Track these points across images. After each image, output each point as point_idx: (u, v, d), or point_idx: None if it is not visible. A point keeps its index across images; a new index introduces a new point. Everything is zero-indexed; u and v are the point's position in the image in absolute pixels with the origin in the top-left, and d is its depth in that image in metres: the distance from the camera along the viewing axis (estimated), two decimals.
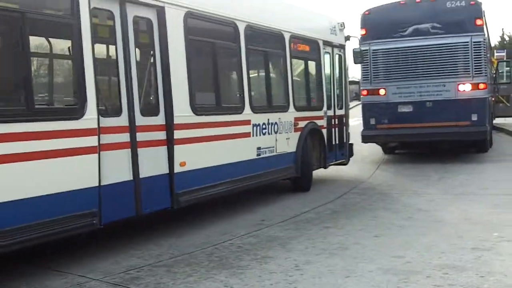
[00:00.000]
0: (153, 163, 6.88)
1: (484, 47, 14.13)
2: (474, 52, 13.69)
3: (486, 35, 14.85)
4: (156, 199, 6.98)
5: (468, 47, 13.72)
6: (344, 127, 12.52)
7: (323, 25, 11.95)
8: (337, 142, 12.09)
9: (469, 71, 13.72)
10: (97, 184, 6.05)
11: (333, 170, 12.71)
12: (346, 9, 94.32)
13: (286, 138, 10.08)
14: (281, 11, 10.54)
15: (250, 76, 9.17)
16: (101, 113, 6.18)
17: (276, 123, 9.75)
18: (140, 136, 6.65)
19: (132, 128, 6.54)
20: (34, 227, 5.42)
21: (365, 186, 11.48)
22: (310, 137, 10.89)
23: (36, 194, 5.43)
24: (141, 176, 6.62)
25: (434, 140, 14.42)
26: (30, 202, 5.38)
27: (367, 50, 14.10)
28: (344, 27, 12.60)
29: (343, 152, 12.40)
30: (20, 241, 5.32)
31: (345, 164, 12.60)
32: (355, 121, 26.67)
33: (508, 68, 23.18)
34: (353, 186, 11.37)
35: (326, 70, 11.91)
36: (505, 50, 33.86)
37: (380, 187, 11.28)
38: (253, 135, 9.12)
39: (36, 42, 6.21)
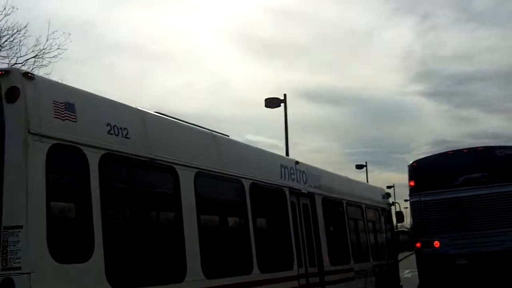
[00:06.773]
0: None
1: None
2: None
3: None
4: None
5: None
6: (396, 273, 16.71)
7: (379, 196, 17.15)
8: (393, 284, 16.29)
9: None
10: None
11: None
12: None
13: (370, 281, 14.08)
14: (361, 192, 15.30)
15: (352, 237, 13.69)
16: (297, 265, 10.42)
17: (365, 270, 13.77)
18: (308, 280, 10.73)
19: (301, 275, 10.47)
20: None
21: None
22: (382, 280, 14.80)
23: None
24: None
25: None
26: None
27: (417, 201, 14.33)
28: (390, 196, 18.06)
29: None
30: None
31: None
32: (408, 272, 24.14)
33: None
34: None
35: (384, 228, 16.71)
36: None
37: None
38: (355, 279, 13.15)
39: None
